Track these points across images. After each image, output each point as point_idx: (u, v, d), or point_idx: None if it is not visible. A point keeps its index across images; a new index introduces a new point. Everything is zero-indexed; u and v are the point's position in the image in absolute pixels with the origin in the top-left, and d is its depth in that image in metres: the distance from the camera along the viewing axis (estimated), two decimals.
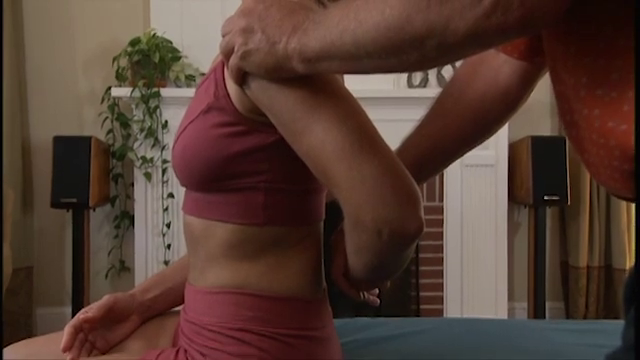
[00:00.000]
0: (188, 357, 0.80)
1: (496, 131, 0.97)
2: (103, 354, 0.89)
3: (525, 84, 0.91)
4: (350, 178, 0.67)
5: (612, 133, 0.61)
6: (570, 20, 0.61)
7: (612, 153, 0.61)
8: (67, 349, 0.85)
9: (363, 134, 0.69)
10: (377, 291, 0.95)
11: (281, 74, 0.68)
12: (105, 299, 0.91)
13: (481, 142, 0.97)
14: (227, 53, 0.71)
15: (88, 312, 0.89)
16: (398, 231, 0.68)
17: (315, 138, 0.68)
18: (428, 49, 0.57)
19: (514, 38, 0.61)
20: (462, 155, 0.98)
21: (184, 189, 0.85)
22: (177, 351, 0.82)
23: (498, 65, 0.90)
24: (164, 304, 0.97)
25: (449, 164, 0.99)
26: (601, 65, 0.61)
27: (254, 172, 0.77)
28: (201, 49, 2.71)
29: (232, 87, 0.75)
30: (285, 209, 0.79)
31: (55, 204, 2.52)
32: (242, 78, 0.71)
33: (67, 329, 0.86)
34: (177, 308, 0.97)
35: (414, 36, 0.57)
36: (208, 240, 0.81)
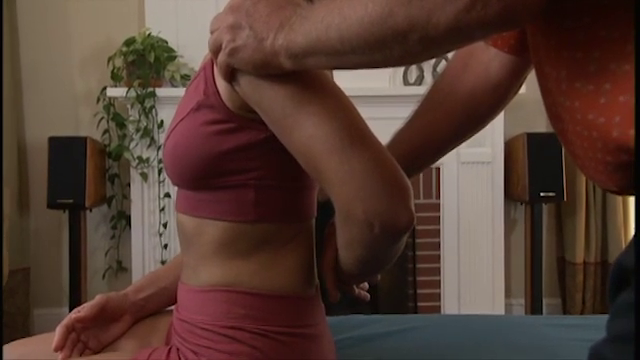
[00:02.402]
0: (180, 356, 0.80)
1: (486, 125, 0.97)
2: (95, 354, 0.89)
3: (515, 78, 0.91)
4: (341, 172, 0.67)
5: (593, 125, 0.61)
6: (551, 13, 0.61)
7: (595, 145, 0.62)
8: (59, 348, 0.85)
9: (353, 128, 0.69)
10: (367, 286, 0.95)
11: (269, 70, 0.68)
12: (97, 299, 0.91)
13: (471, 136, 0.98)
14: (215, 50, 0.71)
15: (80, 312, 0.88)
16: (389, 224, 0.68)
17: (305, 133, 0.69)
18: (411, 43, 0.57)
19: (496, 32, 0.61)
20: (452, 149, 0.99)
21: None
22: (169, 350, 0.82)
23: (488, 59, 0.90)
24: (157, 304, 0.97)
25: (439, 158, 0.99)
26: (579, 58, 0.61)
27: (245, 169, 0.77)
28: (196, 48, 2.69)
29: (222, 84, 0.75)
30: (276, 206, 0.79)
31: (51, 205, 2.52)
32: (231, 75, 0.71)
33: (59, 329, 0.86)
34: (170, 307, 0.97)
35: (397, 30, 0.57)
36: (200, 238, 0.81)
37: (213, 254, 0.80)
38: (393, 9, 0.56)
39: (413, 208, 0.69)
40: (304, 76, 0.69)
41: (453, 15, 0.54)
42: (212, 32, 0.71)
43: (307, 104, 0.69)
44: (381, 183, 0.67)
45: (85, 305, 0.90)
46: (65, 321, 0.87)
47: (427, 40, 0.56)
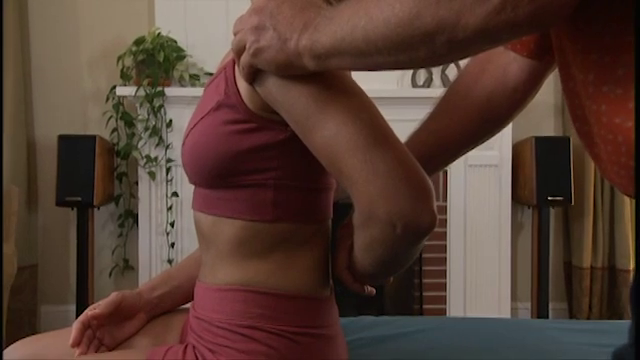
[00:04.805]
0: (197, 353, 0.80)
1: (502, 128, 0.97)
2: (110, 350, 0.90)
3: (533, 82, 0.91)
4: (364, 171, 0.67)
5: (619, 129, 0.61)
6: (577, 17, 0.61)
7: (619, 149, 0.62)
8: (76, 344, 0.86)
9: (376, 128, 0.69)
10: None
11: (292, 71, 0.68)
12: (113, 296, 0.91)
13: (487, 139, 0.97)
14: (239, 51, 0.71)
15: (96, 309, 0.89)
16: (412, 224, 0.68)
17: (328, 132, 0.69)
18: (438, 45, 0.57)
19: (524, 34, 0.61)
20: (468, 151, 0.99)
21: (189, 188, 0.85)
22: (185, 347, 0.82)
23: (507, 63, 0.90)
24: (171, 302, 0.97)
25: (454, 160, 0.99)
26: (607, 62, 0.61)
27: (264, 169, 0.77)
28: (205, 48, 2.72)
29: (243, 85, 0.75)
30: (294, 206, 0.80)
31: (60, 203, 2.53)
32: (253, 76, 0.72)
33: (75, 325, 0.87)
34: (184, 306, 0.97)
35: (424, 32, 0.57)
36: (217, 237, 0.81)
37: (230, 253, 0.80)
38: (421, 10, 0.56)
39: (435, 210, 0.69)
40: (327, 76, 0.70)
41: (482, 17, 0.53)
42: (235, 33, 0.72)
43: (330, 104, 0.69)
44: (405, 183, 0.67)
45: (100, 302, 0.91)
46: (82, 317, 0.88)
47: (455, 42, 0.56)
